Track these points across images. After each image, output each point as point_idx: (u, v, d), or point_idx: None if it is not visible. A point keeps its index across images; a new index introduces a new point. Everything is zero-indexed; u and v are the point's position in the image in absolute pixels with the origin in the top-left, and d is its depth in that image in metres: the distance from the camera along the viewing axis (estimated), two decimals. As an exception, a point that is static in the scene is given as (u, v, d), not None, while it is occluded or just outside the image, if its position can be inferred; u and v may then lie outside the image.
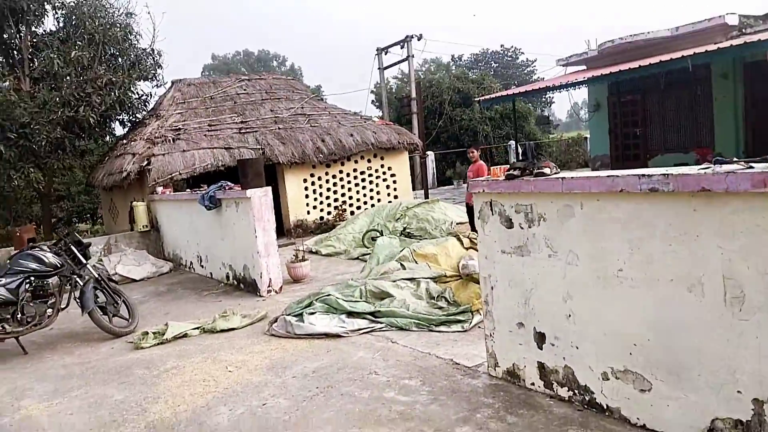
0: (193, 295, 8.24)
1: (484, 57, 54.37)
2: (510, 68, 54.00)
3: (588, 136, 27.48)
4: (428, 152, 21.40)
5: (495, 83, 29.76)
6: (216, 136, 12.66)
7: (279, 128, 13.27)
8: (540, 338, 3.77)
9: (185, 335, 6.08)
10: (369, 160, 13.88)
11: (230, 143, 12.42)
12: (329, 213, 13.39)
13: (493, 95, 19.35)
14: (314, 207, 13.27)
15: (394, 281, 6.24)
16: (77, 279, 6.56)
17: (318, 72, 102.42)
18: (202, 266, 9.57)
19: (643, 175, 3.01)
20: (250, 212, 7.55)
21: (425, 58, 52.36)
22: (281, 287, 7.74)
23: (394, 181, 14.21)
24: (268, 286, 7.60)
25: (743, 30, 14.15)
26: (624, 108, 17.83)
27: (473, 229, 8.85)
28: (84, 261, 6.70)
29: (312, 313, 5.80)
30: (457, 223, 10.06)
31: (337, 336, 5.48)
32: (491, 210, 3.97)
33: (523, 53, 54.62)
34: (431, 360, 4.65)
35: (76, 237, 6.99)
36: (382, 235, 9.88)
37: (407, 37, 21.24)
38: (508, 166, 3.82)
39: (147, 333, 6.10)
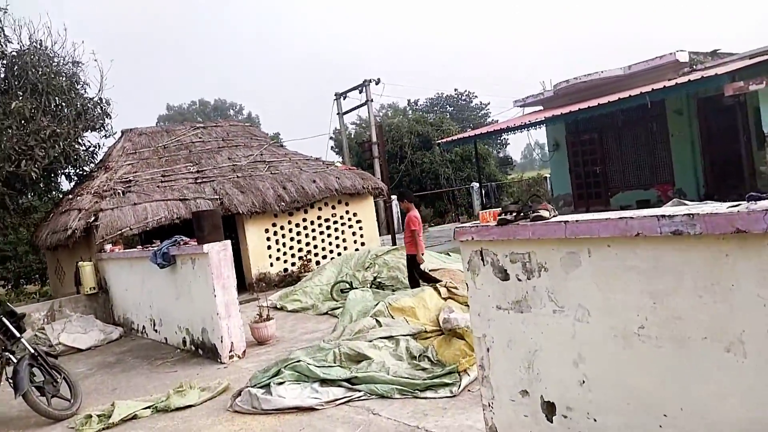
0: (145, 365, 7.43)
1: (439, 101, 55.37)
2: (465, 111, 55.09)
3: (548, 175, 27.85)
4: (392, 196, 21.08)
5: (453, 126, 30.05)
6: (170, 186, 11.98)
7: (237, 176, 12.71)
8: (549, 409, 3.28)
9: (135, 417, 5.32)
10: (333, 207, 13.40)
11: (186, 194, 11.76)
12: (293, 264, 12.76)
13: (453, 137, 19.34)
14: (277, 258, 12.62)
15: (371, 341, 5.67)
16: (9, 356, 5.76)
17: (276, 121, 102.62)
18: (156, 330, 8.75)
19: (663, 216, 2.61)
20: (207, 269, 6.90)
21: (382, 103, 52.93)
22: (245, 351, 7.04)
23: (360, 228, 13.73)
24: (230, 351, 6.90)
25: (694, 66, 14.55)
26: (583, 147, 18.04)
27: (411, 282, 8.39)
28: (18, 334, 5.91)
29: (281, 383, 5.16)
30: (429, 270, 9.58)
31: (311, 409, 4.84)
32: (482, 260, 3.51)
33: (476, 96, 55.97)
34: (420, 435, 4.08)
35: (8, 307, 6.19)
36: (351, 286, 9.31)
37: (365, 81, 21.20)
38: (500, 209, 3.39)
39: (90, 416, 5.32)
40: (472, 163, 28.31)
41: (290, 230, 12.84)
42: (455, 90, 55.94)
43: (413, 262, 8.43)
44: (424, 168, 27.60)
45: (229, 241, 7.07)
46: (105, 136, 14.20)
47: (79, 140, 13.29)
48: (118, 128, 14.48)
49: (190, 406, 5.41)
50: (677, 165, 15.57)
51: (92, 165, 13.85)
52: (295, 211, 12.82)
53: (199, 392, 5.66)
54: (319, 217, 13.21)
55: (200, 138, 14.00)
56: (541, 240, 3.14)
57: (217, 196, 11.98)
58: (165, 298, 8.23)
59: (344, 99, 23.34)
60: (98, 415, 5.32)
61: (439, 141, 20.32)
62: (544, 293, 3.19)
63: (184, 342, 7.84)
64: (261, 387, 5.20)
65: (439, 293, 6.90)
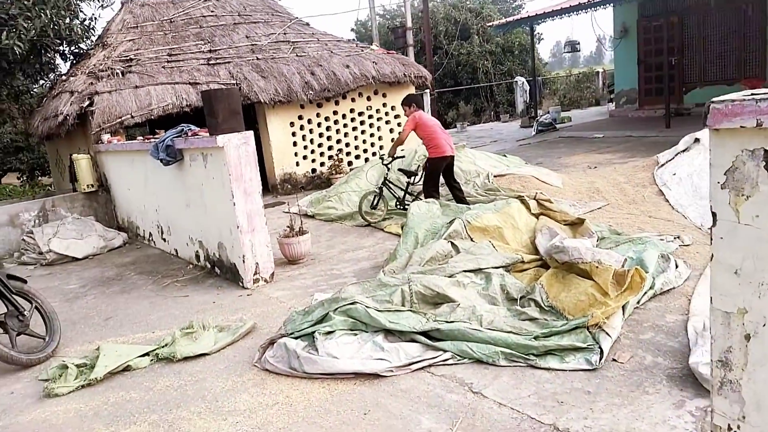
0: (150, 284, 5.97)
1: (471, -11, 50.62)
2: (497, 2, 50.50)
3: (600, 70, 25.10)
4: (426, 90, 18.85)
5: (494, 12, 26.89)
6: (178, 68, 10.07)
7: (257, 59, 10.70)
8: None
9: (127, 368, 3.88)
10: (369, 98, 11.43)
11: (197, 77, 9.87)
12: (323, 164, 11.05)
13: (507, 19, 16.75)
14: (304, 157, 10.90)
15: (452, 275, 4.04)
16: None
17: (295, 6, 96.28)
18: (164, 239, 7.27)
19: None
20: (224, 169, 5.23)
21: (410, -10, 48.42)
22: (273, 273, 5.51)
23: (399, 124, 11.82)
24: (255, 274, 5.37)
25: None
26: (657, 33, 15.43)
27: (427, 196, 6.55)
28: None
29: (329, 333, 3.62)
30: (495, 176, 7.81)
31: (376, 376, 3.32)
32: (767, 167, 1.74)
33: (511, -15, 50.96)
34: (568, 447, 2.53)
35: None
36: (380, 194, 7.37)
37: (402, -46, 18.27)
38: None
39: (66, 367, 3.87)
40: (514, 55, 25.58)
41: (319, 124, 11.00)
42: (490, -24, 50.90)
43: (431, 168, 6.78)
44: (461, 60, 24.93)
45: (251, 132, 5.33)
46: (101, 6, 12.14)
47: (71, 9, 11.24)
48: (117, -1, 12.35)
49: (202, 355, 3.95)
50: (774, 57, 13.12)
51: (89, 42, 11.90)
52: (324, 101, 10.90)
53: (215, 334, 4.18)
54: (352, 110, 11.30)
55: (212, 12, 11.82)
56: None
57: (234, 81, 10.08)
58: (173, 203, 6.65)
59: (375, -24, 20.44)
60: (77, 366, 3.88)
61: (490, 24, 17.70)
62: None
63: (198, 257, 6.34)
64: (301, 337, 3.67)
65: (528, 208, 5.19)
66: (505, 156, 9.86)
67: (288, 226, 6.06)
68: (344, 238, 6.88)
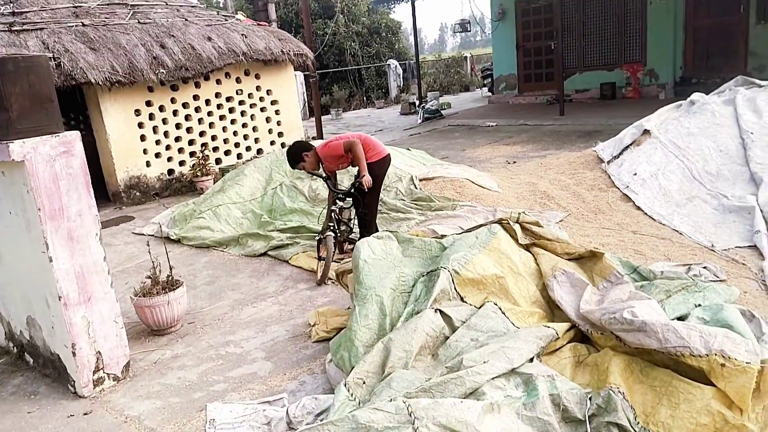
0: None
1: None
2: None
3: (468, 55, 24.73)
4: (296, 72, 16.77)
5: (359, -11, 25.27)
6: (-40, 34, 7.08)
7: (83, 25, 7.98)
8: None
9: None
10: (238, 80, 9.21)
11: (-10, 47, 6.99)
12: (182, 163, 8.66)
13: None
14: (157, 155, 8.42)
15: (475, 390, 2.32)
16: None
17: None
18: (-63, 300, 4.66)
19: None
20: (27, 197, 2.99)
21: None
22: (128, 364, 3.38)
23: (277, 112, 9.75)
24: (96, 371, 3.21)
25: None
26: (536, 16, 14.93)
27: (370, 226, 4.70)
28: None
29: None
30: (420, 179, 6.21)
31: None
32: None
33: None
34: None
35: None
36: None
37: None
38: None
39: None
40: (381, 37, 24.28)
41: (175, 112, 8.58)
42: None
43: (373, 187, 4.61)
44: (326, 41, 23.02)
45: (77, 134, 3.13)
46: None
47: None
48: None
49: None
50: (652, 40, 13.09)
51: None
52: (181, 83, 8.50)
53: None
54: (218, 95, 9.00)
55: (14, -40, 8.75)
56: None
57: (51, 54, 7.34)
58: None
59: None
60: None
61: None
62: None
63: (3, 334, 3.94)
64: None
65: (514, 236, 3.64)
66: (408, 149, 8.34)
67: (149, 276, 3.91)
68: (233, 279, 4.83)
